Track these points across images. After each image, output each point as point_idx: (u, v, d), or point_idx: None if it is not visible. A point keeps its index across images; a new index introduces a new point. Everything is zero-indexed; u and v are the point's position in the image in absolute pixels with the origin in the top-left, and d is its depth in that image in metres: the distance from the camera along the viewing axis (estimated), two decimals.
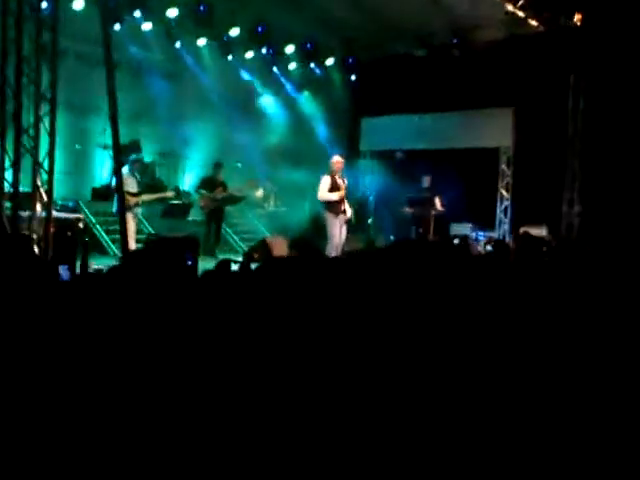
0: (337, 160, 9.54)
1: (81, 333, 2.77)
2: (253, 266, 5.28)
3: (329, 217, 9.48)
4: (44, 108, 6.15)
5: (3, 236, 5.69)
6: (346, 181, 9.58)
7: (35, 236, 6.08)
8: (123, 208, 6.67)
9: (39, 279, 4.07)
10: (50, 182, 6.17)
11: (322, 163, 11.29)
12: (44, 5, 6.37)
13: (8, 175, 6.00)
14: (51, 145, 6.16)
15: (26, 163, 6.28)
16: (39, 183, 6.14)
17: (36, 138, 6.08)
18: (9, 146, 6.00)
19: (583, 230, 11.14)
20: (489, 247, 10.01)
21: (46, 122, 6.16)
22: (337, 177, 9.49)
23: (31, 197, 6.10)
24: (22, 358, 2.39)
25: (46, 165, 6.17)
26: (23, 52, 5.90)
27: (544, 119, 11.30)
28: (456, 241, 8.15)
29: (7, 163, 5.94)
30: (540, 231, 10.84)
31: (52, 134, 6.14)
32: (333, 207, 9.45)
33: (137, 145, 11.23)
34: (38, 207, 6.18)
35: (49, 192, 6.17)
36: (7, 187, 6.05)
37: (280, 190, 13.12)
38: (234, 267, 5.46)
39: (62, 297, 3.43)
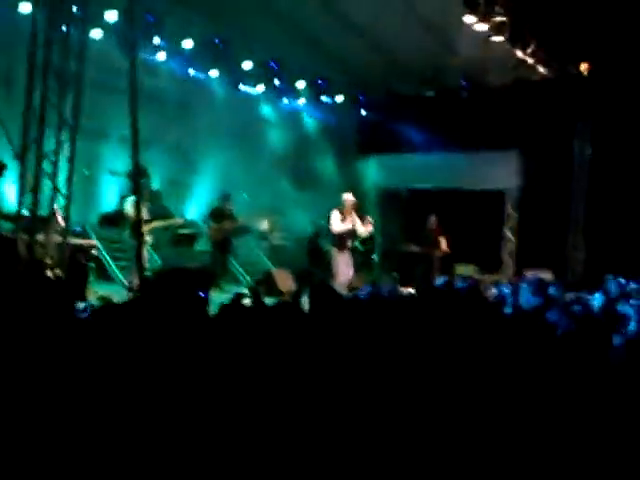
0: (347, 198, 9.55)
1: (97, 366, 2.77)
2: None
3: (334, 253, 9.45)
4: (65, 134, 6.14)
5: (19, 261, 5.62)
6: (355, 220, 9.57)
7: (49, 261, 6.00)
8: (140, 236, 6.62)
9: (56, 311, 4.04)
10: (67, 208, 6.12)
11: (327, 197, 11.35)
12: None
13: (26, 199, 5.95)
14: (70, 171, 6.13)
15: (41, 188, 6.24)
16: (56, 208, 6.09)
17: (55, 164, 6.05)
18: (29, 171, 5.97)
19: (587, 275, 11.17)
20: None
21: (66, 148, 6.14)
22: (347, 214, 9.49)
23: (47, 222, 6.04)
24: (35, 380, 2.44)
25: (64, 191, 6.13)
26: (49, 80, 5.91)
27: (550, 163, 11.45)
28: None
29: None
30: (545, 275, 10.85)
31: (72, 160, 6.13)
32: (340, 243, 9.43)
33: (145, 172, 11.19)
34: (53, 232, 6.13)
35: (67, 218, 6.12)
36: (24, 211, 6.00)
37: (284, 223, 13.13)
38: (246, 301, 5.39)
39: (80, 331, 3.41)
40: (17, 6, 8.58)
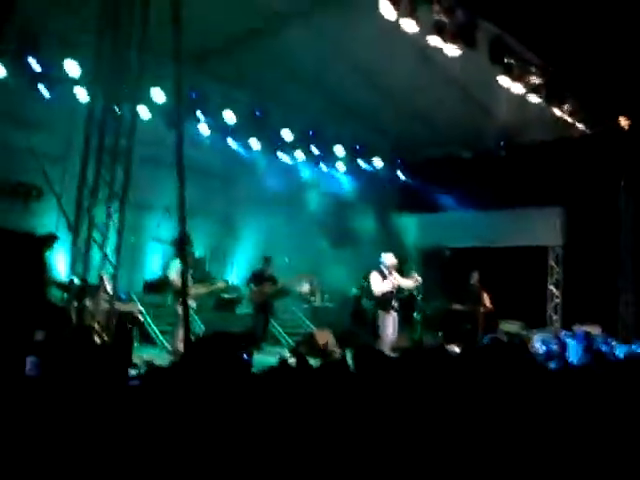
0: (389, 258, 9.55)
1: (147, 429, 2.82)
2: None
3: (381, 314, 9.39)
4: (114, 206, 6.44)
5: (68, 328, 5.81)
6: (397, 277, 9.55)
7: (97, 326, 6.19)
8: (186, 301, 6.78)
9: (106, 378, 4.17)
10: (116, 276, 6.36)
11: (367, 256, 11.38)
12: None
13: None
14: (119, 241, 6.39)
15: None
16: (105, 275, 6.33)
17: (105, 234, 6.33)
18: (81, 241, 6.27)
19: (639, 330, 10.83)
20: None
21: (115, 219, 6.44)
22: (387, 274, 9.47)
23: (96, 289, 6.28)
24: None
25: (113, 259, 6.37)
26: (102, 156, 6.29)
27: (595, 219, 11.28)
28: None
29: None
30: (594, 330, 10.56)
31: (120, 230, 6.40)
32: (385, 304, 9.37)
33: (188, 239, 11.49)
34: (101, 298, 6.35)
35: (114, 285, 6.34)
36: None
37: (325, 284, 13.20)
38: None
39: (131, 396, 3.51)
40: (73, 92, 9.60)
